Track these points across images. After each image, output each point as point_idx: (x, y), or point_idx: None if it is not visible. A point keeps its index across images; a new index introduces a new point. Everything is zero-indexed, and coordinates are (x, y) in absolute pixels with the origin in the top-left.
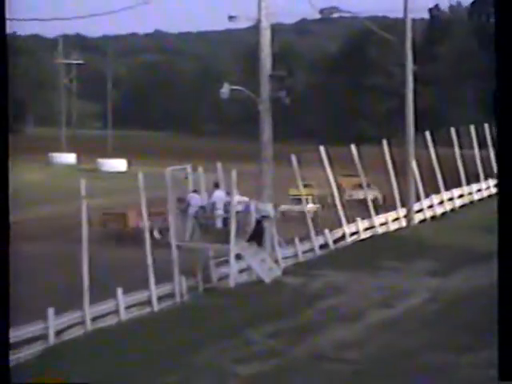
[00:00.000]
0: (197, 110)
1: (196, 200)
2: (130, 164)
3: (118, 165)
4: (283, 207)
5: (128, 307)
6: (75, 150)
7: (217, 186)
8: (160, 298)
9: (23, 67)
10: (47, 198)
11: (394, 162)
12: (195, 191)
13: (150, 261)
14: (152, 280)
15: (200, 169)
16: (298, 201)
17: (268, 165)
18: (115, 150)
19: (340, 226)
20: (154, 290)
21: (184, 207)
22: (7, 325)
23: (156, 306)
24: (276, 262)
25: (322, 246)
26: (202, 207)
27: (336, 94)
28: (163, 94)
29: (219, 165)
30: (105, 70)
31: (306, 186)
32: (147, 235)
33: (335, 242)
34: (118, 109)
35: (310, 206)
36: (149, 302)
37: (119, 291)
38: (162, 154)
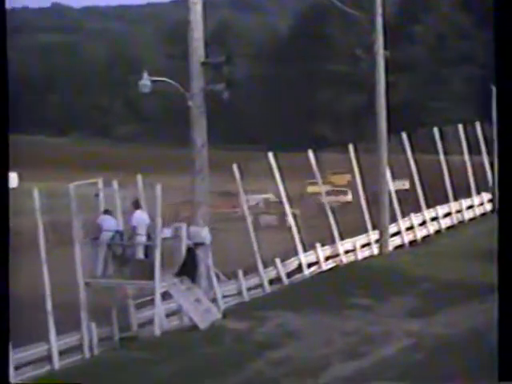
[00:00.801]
0: (110, 107)
1: (109, 223)
2: (21, 178)
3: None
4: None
5: (20, 366)
6: None
7: (137, 205)
8: (63, 353)
9: None
10: None
11: (361, 173)
12: (107, 212)
13: (49, 305)
14: (52, 329)
15: (115, 183)
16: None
17: (203, 177)
18: None
19: (295, 253)
20: (55, 343)
21: (94, 233)
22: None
23: (57, 363)
24: (214, 301)
25: (272, 281)
26: (118, 233)
27: (288, 86)
28: (64, 87)
29: (140, 178)
30: None
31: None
32: (45, 270)
33: (289, 274)
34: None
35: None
36: (48, 358)
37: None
38: (64, 164)
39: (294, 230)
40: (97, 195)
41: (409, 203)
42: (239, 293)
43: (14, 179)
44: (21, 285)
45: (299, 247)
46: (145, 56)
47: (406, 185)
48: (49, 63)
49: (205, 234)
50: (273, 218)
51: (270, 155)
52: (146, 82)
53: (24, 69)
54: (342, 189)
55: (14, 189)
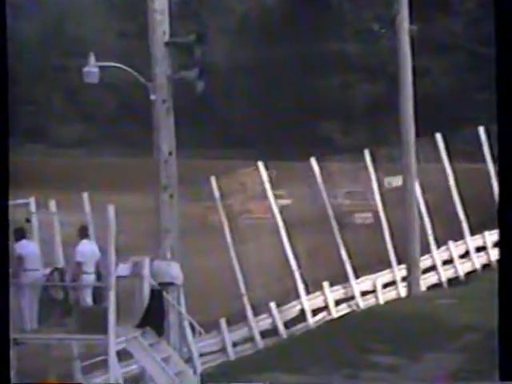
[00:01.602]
0: (44, 102)
1: (33, 253)
2: None
3: None
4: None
5: None
6: None
7: (84, 233)
8: None
9: None
10: None
11: (380, 186)
12: (22, 233)
13: None
14: None
15: (52, 203)
16: None
17: (171, 194)
18: None
19: (295, 295)
20: None
21: (16, 269)
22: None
23: None
24: (189, 361)
25: (265, 333)
26: (57, 270)
27: (282, 72)
28: None
29: (86, 196)
30: None
31: None
32: None
33: (288, 324)
34: None
35: None
36: None
37: None
38: None
39: (294, 263)
40: (28, 220)
41: (447, 228)
42: (222, 349)
43: None
44: None
45: (300, 287)
46: (90, 34)
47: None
48: None
49: (175, 270)
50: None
51: (260, 164)
52: (92, 68)
53: None
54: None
55: None
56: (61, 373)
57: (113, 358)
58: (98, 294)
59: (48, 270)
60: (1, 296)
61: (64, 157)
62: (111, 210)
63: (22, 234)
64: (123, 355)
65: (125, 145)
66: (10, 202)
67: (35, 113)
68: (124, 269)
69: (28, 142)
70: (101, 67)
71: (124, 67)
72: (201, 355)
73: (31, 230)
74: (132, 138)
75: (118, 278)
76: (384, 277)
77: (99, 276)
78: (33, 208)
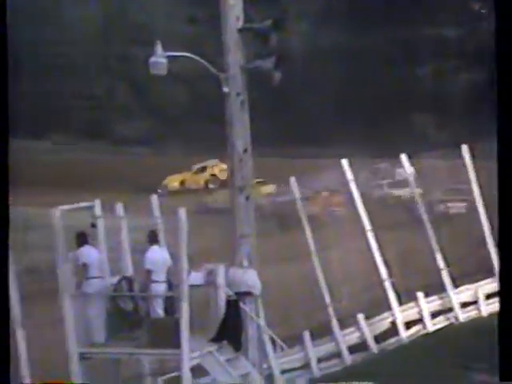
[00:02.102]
0: (106, 97)
1: (96, 260)
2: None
3: None
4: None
5: None
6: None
7: (154, 238)
8: None
9: None
10: None
11: (481, 187)
12: (85, 238)
13: None
14: None
15: (119, 207)
16: None
17: (247, 196)
18: None
19: (387, 306)
20: None
21: (80, 279)
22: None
23: None
24: (269, 378)
25: (353, 348)
26: (126, 279)
27: (370, 60)
28: (35, 69)
29: (155, 198)
30: None
31: None
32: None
33: (379, 338)
34: None
35: None
36: None
37: None
38: (39, 180)
39: (384, 271)
40: (94, 225)
41: None
42: (306, 365)
43: None
44: None
45: (392, 297)
46: (156, 22)
47: None
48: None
49: (252, 279)
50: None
51: (344, 163)
52: (160, 59)
53: None
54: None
55: None
56: None
57: (186, 375)
58: (170, 305)
59: (116, 279)
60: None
61: (128, 156)
62: (182, 213)
63: (84, 240)
64: (198, 371)
65: (195, 142)
66: (73, 206)
67: (96, 108)
68: (197, 277)
69: (87, 139)
70: (169, 57)
71: (194, 57)
72: (282, 372)
73: (96, 235)
74: (202, 135)
75: (191, 287)
76: (487, 286)
77: (170, 285)
78: (98, 211)
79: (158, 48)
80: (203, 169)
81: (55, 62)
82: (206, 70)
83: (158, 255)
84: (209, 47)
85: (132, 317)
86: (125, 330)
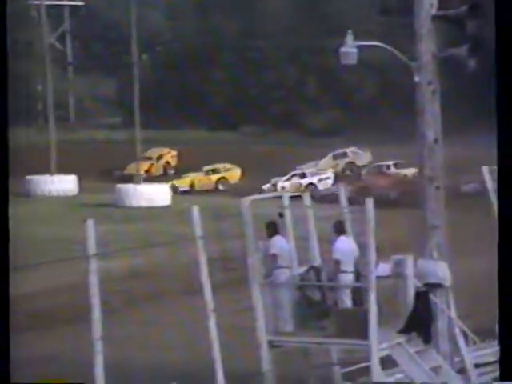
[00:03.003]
0: (298, 87)
1: (284, 250)
2: (177, 190)
3: (155, 194)
4: None
5: None
6: (76, 169)
7: (341, 228)
8: None
9: None
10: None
11: None
12: (275, 228)
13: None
14: None
15: (306, 196)
16: None
17: (437, 186)
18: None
19: None
20: None
21: (268, 268)
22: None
23: None
24: (462, 372)
25: None
26: (313, 268)
27: None
28: (234, 58)
29: (342, 188)
30: (124, 17)
31: None
32: (212, 323)
33: None
34: (151, 90)
35: None
36: None
37: None
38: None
39: None
40: (281, 215)
41: None
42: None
43: (163, 193)
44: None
45: None
46: (346, 11)
47: None
48: (215, 28)
49: (442, 270)
50: None
51: None
52: (350, 49)
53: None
54: None
55: (165, 207)
56: (319, 378)
57: (376, 366)
58: (358, 296)
59: (303, 269)
60: None
61: (317, 148)
62: (369, 203)
63: (274, 230)
64: (387, 363)
65: (384, 131)
66: (263, 195)
67: (286, 98)
68: (385, 268)
69: (280, 129)
70: (359, 47)
71: (384, 46)
72: (476, 366)
73: (284, 225)
74: (392, 125)
75: (379, 278)
76: None
77: (358, 276)
78: (286, 201)
79: (349, 38)
80: (213, 171)
81: (249, 55)
82: (397, 58)
83: (346, 245)
84: (399, 36)
85: (320, 306)
86: (312, 319)
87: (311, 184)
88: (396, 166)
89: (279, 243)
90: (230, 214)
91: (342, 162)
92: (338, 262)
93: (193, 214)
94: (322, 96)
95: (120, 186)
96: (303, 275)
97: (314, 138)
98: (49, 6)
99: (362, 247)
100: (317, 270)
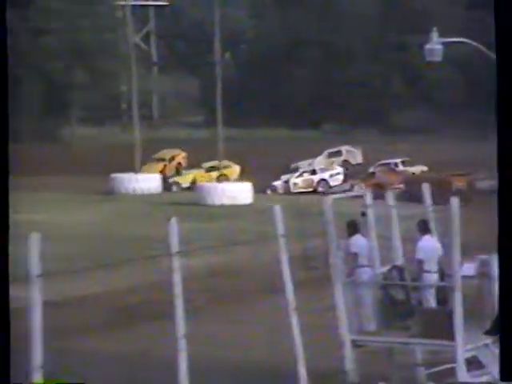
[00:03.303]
0: (383, 85)
1: (365, 249)
2: (265, 190)
3: (237, 192)
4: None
5: None
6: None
7: (425, 228)
8: None
9: (56, 16)
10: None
11: None
12: (354, 229)
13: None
14: None
15: (389, 195)
16: None
17: None
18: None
19: None
20: None
21: (350, 267)
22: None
23: None
24: None
25: None
26: (396, 268)
27: None
28: (309, 56)
29: (426, 187)
30: (207, 16)
31: None
32: (293, 321)
33: None
34: (235, 88)
35: None
36: None
37: None
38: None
39: None
40: (364, 214)
41: None
42: None
43: (246, 192)
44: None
45: None
46: (433, 8)
47: None
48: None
49: None
50: None
51: None
52: (435, 45)
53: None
54: None
55: (247, 205)
56: (403, 379)
57: (461, 367)
58: (442, 295)
59: (386, 268)
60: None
61: (403, 143)
62: (455, 201)
63: (355, 229)
64: (472, 364)
65: (468, 130)
66: (346, 194)
67: (371, 96)
68: (469, 268)
69: (360, 127)
70: (444, 43)
71: (470, 42)
72: None
73: (366, 224)
74: (476, 122)
75: (464, 277)
76: None
77: (442, 275)
78: (368, 200)
79: (434, 35)
80: (213, 168)
81: (333, 52)
82: (483, 54)
83: (430, 245)
84: (485, 32)
85: (403, 306)
86: (396, 319)
87: (323, 180)
88: (403, 163)
89: (359, 242)
90: (312, 213)
91: (337, 160)
92: (421, 262)
93: (275, 212)
94: (406, 93)
95: (202, 184)
96: (386, 274)
97: (397, 135)
98: (134, 7)
99: (446, 247)
100: (400, 270)
